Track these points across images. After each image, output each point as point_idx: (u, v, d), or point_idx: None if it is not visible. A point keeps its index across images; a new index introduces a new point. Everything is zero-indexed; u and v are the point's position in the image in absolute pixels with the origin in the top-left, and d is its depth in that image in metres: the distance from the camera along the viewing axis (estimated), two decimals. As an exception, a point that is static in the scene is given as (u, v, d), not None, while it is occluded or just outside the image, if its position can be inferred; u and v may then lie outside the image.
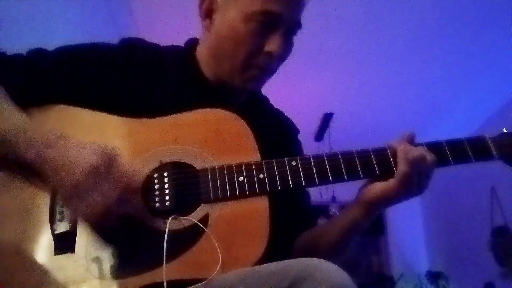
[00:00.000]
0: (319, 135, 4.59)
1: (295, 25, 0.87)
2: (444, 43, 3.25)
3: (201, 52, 0.94)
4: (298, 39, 0.97)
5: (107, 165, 0.67)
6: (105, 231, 0.70)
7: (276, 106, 1.07)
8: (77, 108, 0.82)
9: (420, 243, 5.26)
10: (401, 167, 0.79)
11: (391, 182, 0.80)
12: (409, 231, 5.18)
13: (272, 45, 0.84)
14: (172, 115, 0.82)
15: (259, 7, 0.82)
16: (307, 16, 0.89)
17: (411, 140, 0.84)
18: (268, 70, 0.89)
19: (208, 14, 0.89)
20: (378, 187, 0.81)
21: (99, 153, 0.68)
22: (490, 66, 3.50)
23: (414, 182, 0.80)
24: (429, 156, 0.80)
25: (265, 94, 1.05)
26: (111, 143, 0.80)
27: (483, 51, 3.33)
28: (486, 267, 3.89)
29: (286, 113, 1.07)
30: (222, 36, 0.86)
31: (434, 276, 4.73)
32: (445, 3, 2.84)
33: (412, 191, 0.81)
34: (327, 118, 4.34)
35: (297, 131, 1.07)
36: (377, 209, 0.84)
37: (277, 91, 1.00)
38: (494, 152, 0.84)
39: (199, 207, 0.75)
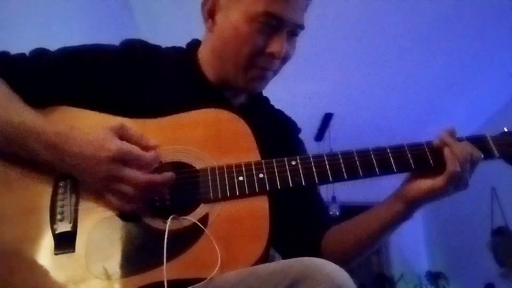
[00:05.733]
0: (319, 135, 4.59)
1: (298, 27, 0.88)
2: (444, 43, 3.25)
3: (204, 53, 0.94)
4: (298, 40, 0.97)
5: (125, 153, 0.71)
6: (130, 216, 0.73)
7: (276, 106, 1.07)
8: (78, 109, 0.82)
9: (420, 243, 5.25)
10: (451, 167, 0.77)
11: (439, 180, 0.78)
12: (409, 231, 5.16)
13: (274, 46, 0.85)
14: (173, 116, 0.83)
15: (262, 8, 0.82)
16: (307, 16, 0.90)
17: (453, 135, 0.82)
18: (270, 71, 0.90)
19: (210, 14, 0.90)
20: (426, 184, 0.80)
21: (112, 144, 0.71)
22: (490, 66, 3.50)
23: (463, 179, 0.79)
24: (476, 152, 0.80)
25: (265, 94, 1.05)
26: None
27: (483, 51, 3.33)
28: (486, 268, 3.89)
29: (286, 113, 1.07)
30: (225, 37, 0.87)
31: (434, 276, 4.73)
32: (445, 3, 2.84)
33: (460, 188, 0.80)
34: (327, 118, 4.35)
35: (299, 130, 1.07)
36: (420, 206, 0.83)
37: (277, 91, 1.00)
38: (495, 151, 0.83)
39: (199, 207, 0.75)
